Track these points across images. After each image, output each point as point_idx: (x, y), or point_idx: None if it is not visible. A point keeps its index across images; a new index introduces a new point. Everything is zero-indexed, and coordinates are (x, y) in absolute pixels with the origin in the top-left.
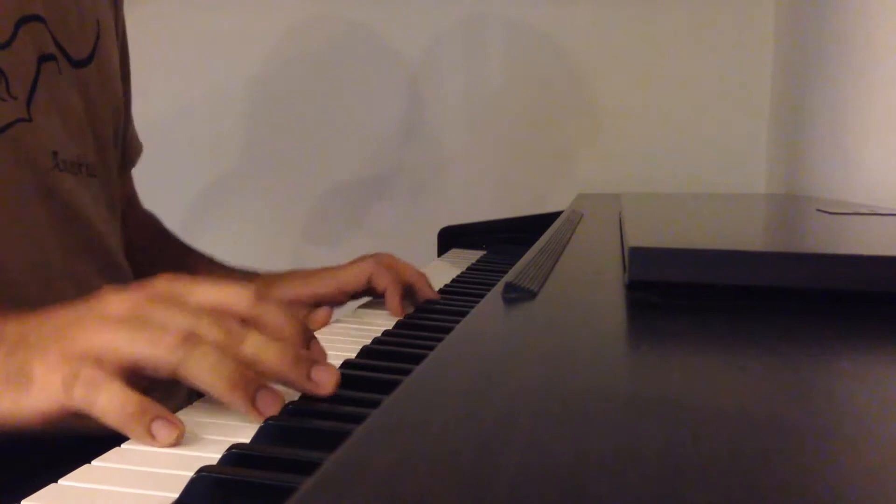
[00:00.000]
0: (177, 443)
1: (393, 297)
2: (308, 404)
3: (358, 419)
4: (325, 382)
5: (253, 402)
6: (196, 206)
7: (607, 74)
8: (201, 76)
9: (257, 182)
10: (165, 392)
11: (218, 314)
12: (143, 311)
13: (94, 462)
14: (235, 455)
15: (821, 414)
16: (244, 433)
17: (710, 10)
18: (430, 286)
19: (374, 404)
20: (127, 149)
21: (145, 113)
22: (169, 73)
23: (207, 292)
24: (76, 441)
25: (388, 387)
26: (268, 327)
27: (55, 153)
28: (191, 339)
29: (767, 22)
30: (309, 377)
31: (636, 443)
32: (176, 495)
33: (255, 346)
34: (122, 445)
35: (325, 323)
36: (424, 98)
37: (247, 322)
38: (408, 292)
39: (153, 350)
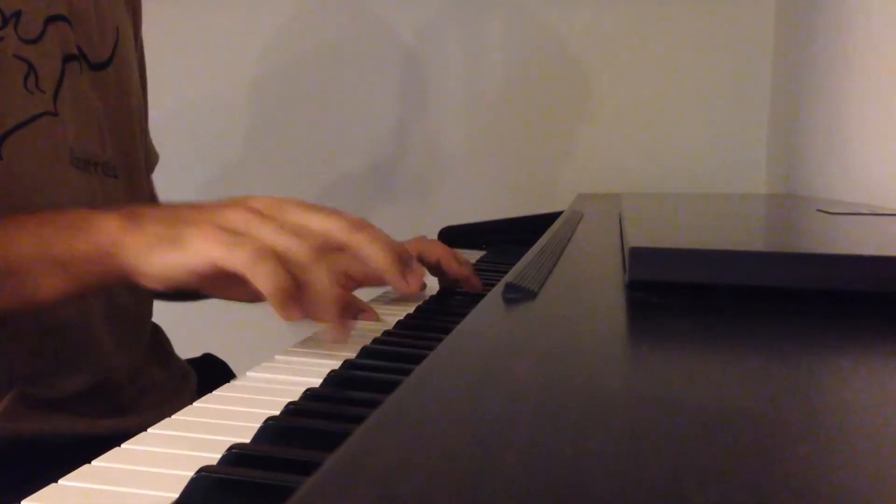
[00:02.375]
0: (297, 320)
1: (451, 266)
2: (308, 404)
3: (358, 419)
4: (414, 285)
5: (406, 278)
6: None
7: (607, 74)
8: (200, 75)
9: (257, 181)
10: (174, 391)
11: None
12: (281, 214)
13: (94, 462)
14: (235, 455)
15: (821, 414)
16: (244, 433)
17: (710, 10)
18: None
19: (374, 404)
20: (146, 155)
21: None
22: (168, 71)
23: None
24: (76, 441)
25: (388, 387)
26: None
27: (71, 149)
28: (320, 253)
29: (767, 22)
30: (404, 277)
31: (636, 443)
32: (176, 495)
33: (370, 235)
34: (123, 445)
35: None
36: (425, 98)
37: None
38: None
39: (328, 222)
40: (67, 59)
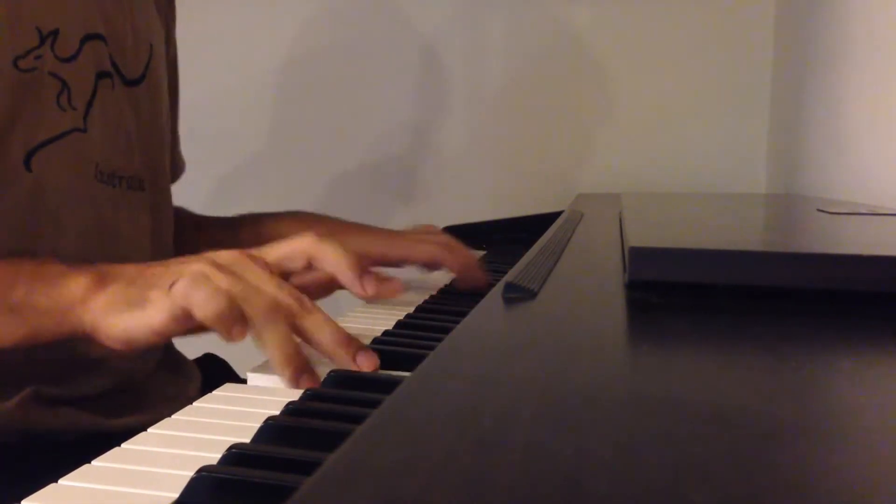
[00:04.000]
0: (240, 339)
1: (470, 273)
2: (308, 404)
3: (358, 419)
4: (365, 365)
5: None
6: (200, 203)
7: (608, 75)
8: (201, 75)
9: (257, 181)
10: (179, 389)
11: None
12: (241, 269)
13: (94, 462)
14: (235, 455)
15: (821, 414)
16: (244, 433)
17: (710, 9)
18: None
19: (374, 404)
20: (174, 164)
21: None
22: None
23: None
24: (76, 441)
25: (389, 387)
26: (327, 262)
27: (97, 164)
28: (274, 312)
29: (767, 22)
30: (354, 360)
31: (636, 443)
32: (176, 495)
33: (314, 324)
34: (123, 445)
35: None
36: (425, 98)
37: (312, 261)
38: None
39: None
40: (101, 75)
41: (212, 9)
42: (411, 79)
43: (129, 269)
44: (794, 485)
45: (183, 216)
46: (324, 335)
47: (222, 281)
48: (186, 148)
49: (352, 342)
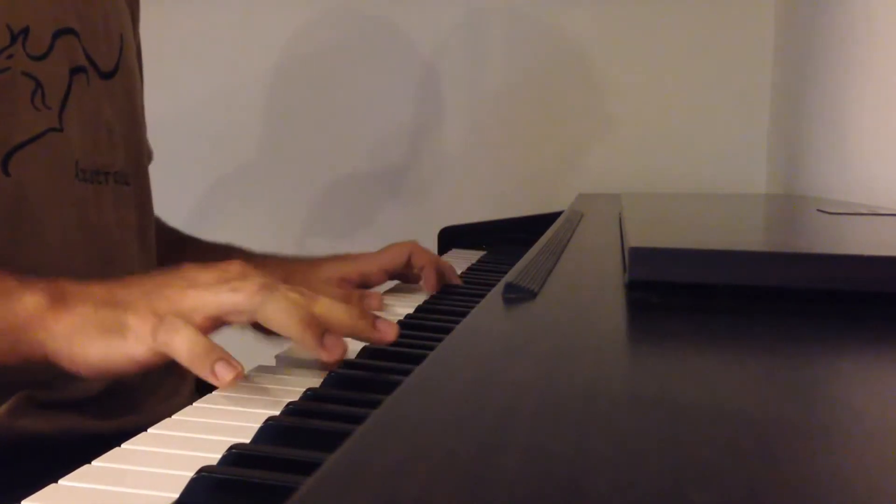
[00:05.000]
0: (233, 383)
1: (430, 274)
2: (308, 404)
3: (358, 419)
4: (387, 331)
5: (321, 343)
6: (197, 205)
7: (607, 75)
8: (203, 76)
9: (258, 181)
10: (172, 389)
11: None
12: (225, 277)
13: (94, 462)
14: (235, 455)
15: (821, 414)
16: (244, 433)
17: (710, 10)
18: (455, 274)
19: (374, 404)
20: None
21: (150, 110)
22: (172, 71)
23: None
24: (76, 441)
25: (389, 387)
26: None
27: (77, 162)
28: (267, 287)
29: (767, 22)
30: (374, 327)
31: (636, 442)
32: (176, 495)
33: (325, 306)
34: (123, 445)
35: (379, 308)
36: (425, 98)
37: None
38: (438, 276)
39: (234, 297)
40: (74, 71)
41: (212, 10)
42: (412, 80)
43: (95, 289)
44: (794, 485)
45: (162, 229)
46: (339, 313)
47: (212, 310)
48: (186, 148)
49: (368, 314)
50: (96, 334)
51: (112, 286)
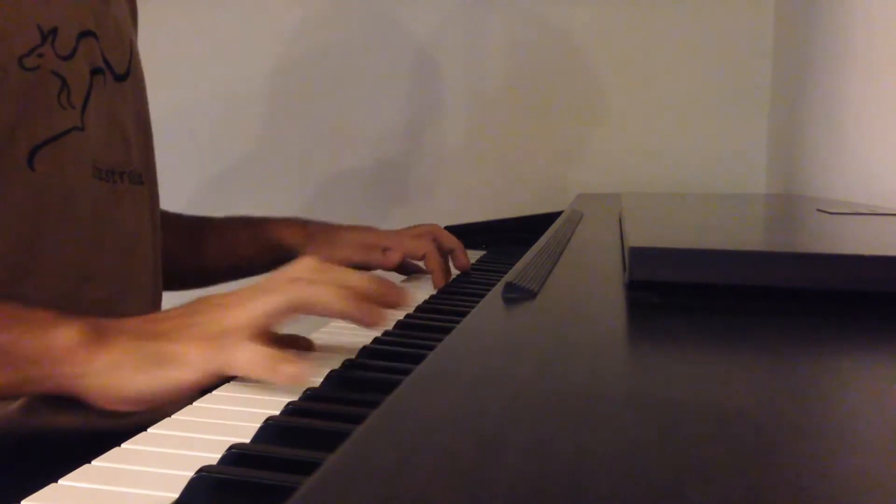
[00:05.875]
0: (300, 377)
1: (461, 256)
2: (308, 404)
3: (358, 419)
4: (400, 300)
5: (365, 312)
6: (196, 205)
7: (607, 74)
8: (203, 75)
9: (258, 180)
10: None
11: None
12: (252, 291)
13: (94, 462)
14: (235, 455)
15: (821, 414)
16: (244, 433)
17: (710, 10)
18: (466, 256)
19: (374, 404)
20: None
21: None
22: (171, 71)
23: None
24: (76, 441)
25: (388, 387)
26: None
27: (94, 162)
28: (302, 280)
29: (767, 22)
30: (396, 300)
31: (636, 443)
32: (176, 495)
33: (358, 280)
34: (122, 445)
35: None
36: (425, 98)
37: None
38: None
39: (277, 299)
40: (94, 72)
41: (211, 10)
42: (410, 79)
43: (130, 323)
44: (794, 485)
45: (169, 218)
46: (361, 281)
47: (258, 320)
48: (186, 148)
49: (386, 282)
50: (138, 367)
51: (146, 320)
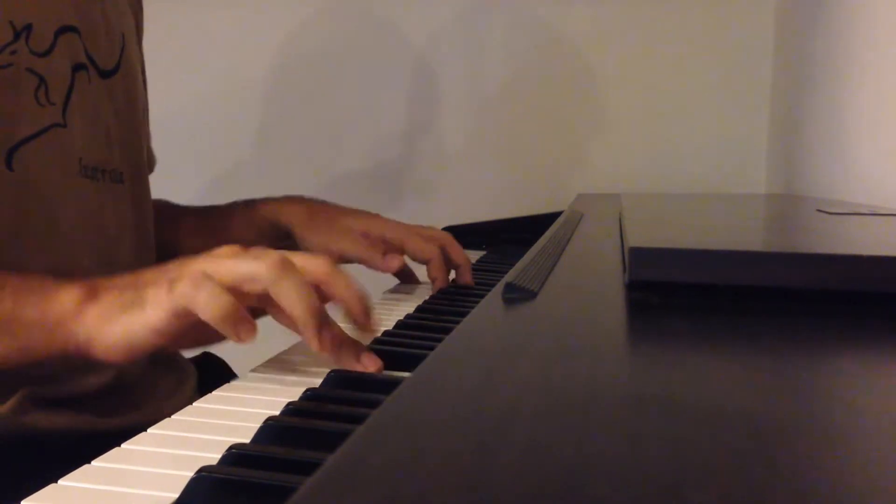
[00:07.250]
0: (251, 340)
1: (466, 273)
2: (308, 404)
3: (358, 419)
4: (368, 367)
5: (320, 335)
6: (197, 204)
7: (608, 75)
8: (204, 75)
9: (257, 180)
10: (174, 387)
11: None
12: (244, 252)
13: (94, 462)
14: (235, 455)
15: (821, 414)
16: (244, 433)
17: (710, 9)
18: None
19: (374, 404)
20: (147, 159)
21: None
22: (171, 70)
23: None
24: (76, 441)
25: (389, 387)
26: (336, 292)
27: (80, 159)
28: (287, 265)
29: (767, 22)
30: (358, 359)
31: (636, 442)
32: (176, 495)
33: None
34: (123, 445)
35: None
36: (425, 98)
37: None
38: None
39: (253, 266)
40: (76, 68)
41: (211, 10)
42: (411, 81)
43: (123, 279)
44: (794, 485)
45: (163, 207)
46: (349, 293)
47: (226, 275)
48: (185, 148)
49: (366, 306)
50: (120, 314)
51: (134, 273)
